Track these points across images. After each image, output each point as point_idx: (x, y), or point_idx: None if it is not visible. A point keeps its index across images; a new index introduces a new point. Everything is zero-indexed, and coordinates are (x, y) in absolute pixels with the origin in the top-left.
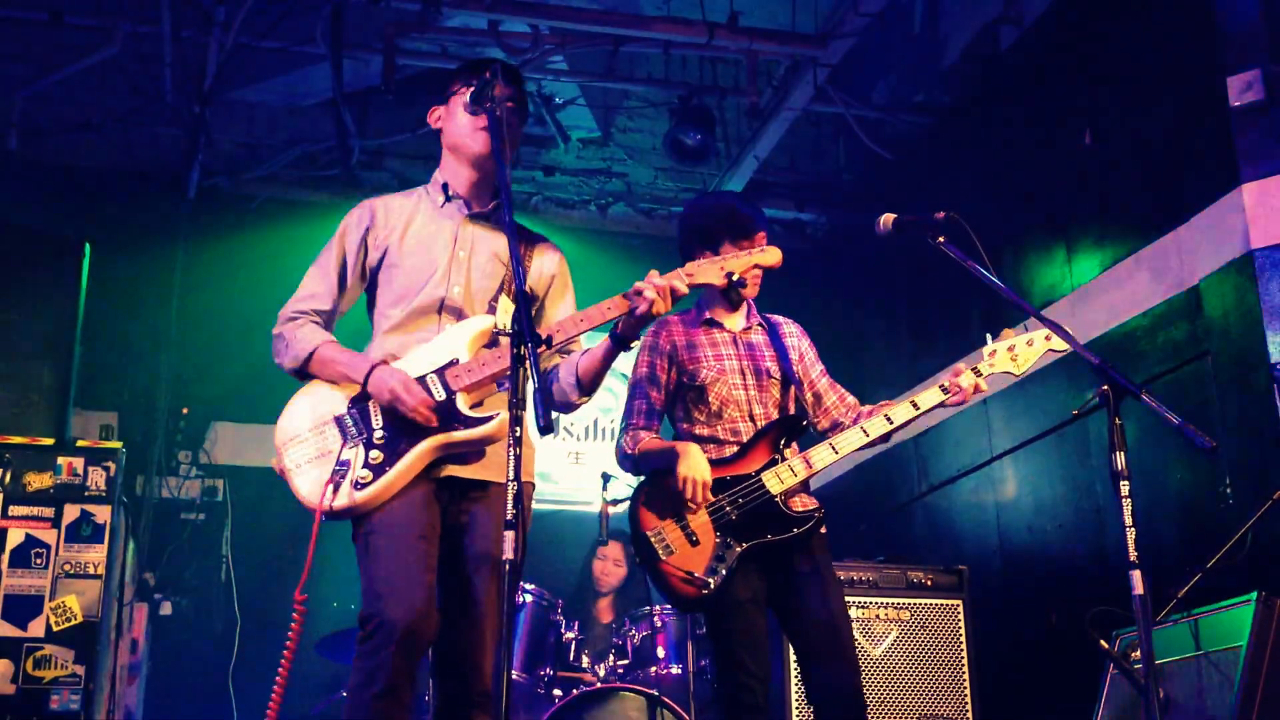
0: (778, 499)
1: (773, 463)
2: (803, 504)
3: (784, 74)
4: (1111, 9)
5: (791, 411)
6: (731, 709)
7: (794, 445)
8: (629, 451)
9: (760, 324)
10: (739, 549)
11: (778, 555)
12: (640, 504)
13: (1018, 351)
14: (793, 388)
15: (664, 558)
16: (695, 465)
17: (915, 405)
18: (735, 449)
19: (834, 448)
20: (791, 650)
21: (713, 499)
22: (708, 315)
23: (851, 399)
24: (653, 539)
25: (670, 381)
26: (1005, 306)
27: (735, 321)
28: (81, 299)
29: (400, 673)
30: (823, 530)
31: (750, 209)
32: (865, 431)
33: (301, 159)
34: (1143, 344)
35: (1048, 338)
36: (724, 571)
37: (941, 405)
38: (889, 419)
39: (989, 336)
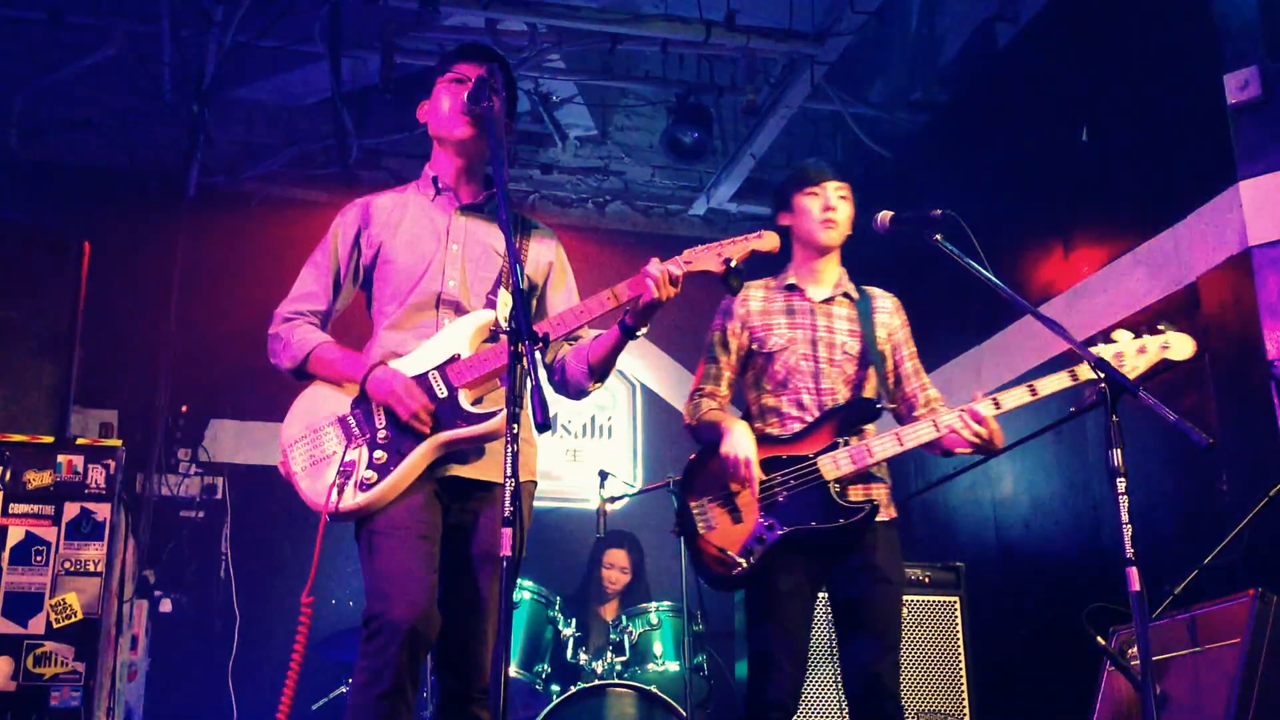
0: (831, 486)
1: (833, 447)
2: (863, 493)
3: (781, 72)
4: (1108, 6)
5: (866, 392)
6: (752, 702)
7: (864, 431)
8: (688, 421)
9: (847, 295)
10: (779, 533)
11: (832, 546)
12: (690, 476)
13: (1126, 359)
14: (871, 367)
15: (702, 532)
16: (738, 443)
17: (997, 404)
18: (799, 424)
19: (900, 439)
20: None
21: (764, 477)
22: (791, 280)
23: (933, 392)
24: (695, 511)
25: (741, 347)
26: (1003, 304)
27: (819, 290)
28: (81, 297)
29: (404, 671)
30: (887, 519)
31: (816, 160)
32: (936, 426)
33: (300, 158)
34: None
35: (1164, 345)
36: (759, 553)
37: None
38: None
39: (1100, 343)
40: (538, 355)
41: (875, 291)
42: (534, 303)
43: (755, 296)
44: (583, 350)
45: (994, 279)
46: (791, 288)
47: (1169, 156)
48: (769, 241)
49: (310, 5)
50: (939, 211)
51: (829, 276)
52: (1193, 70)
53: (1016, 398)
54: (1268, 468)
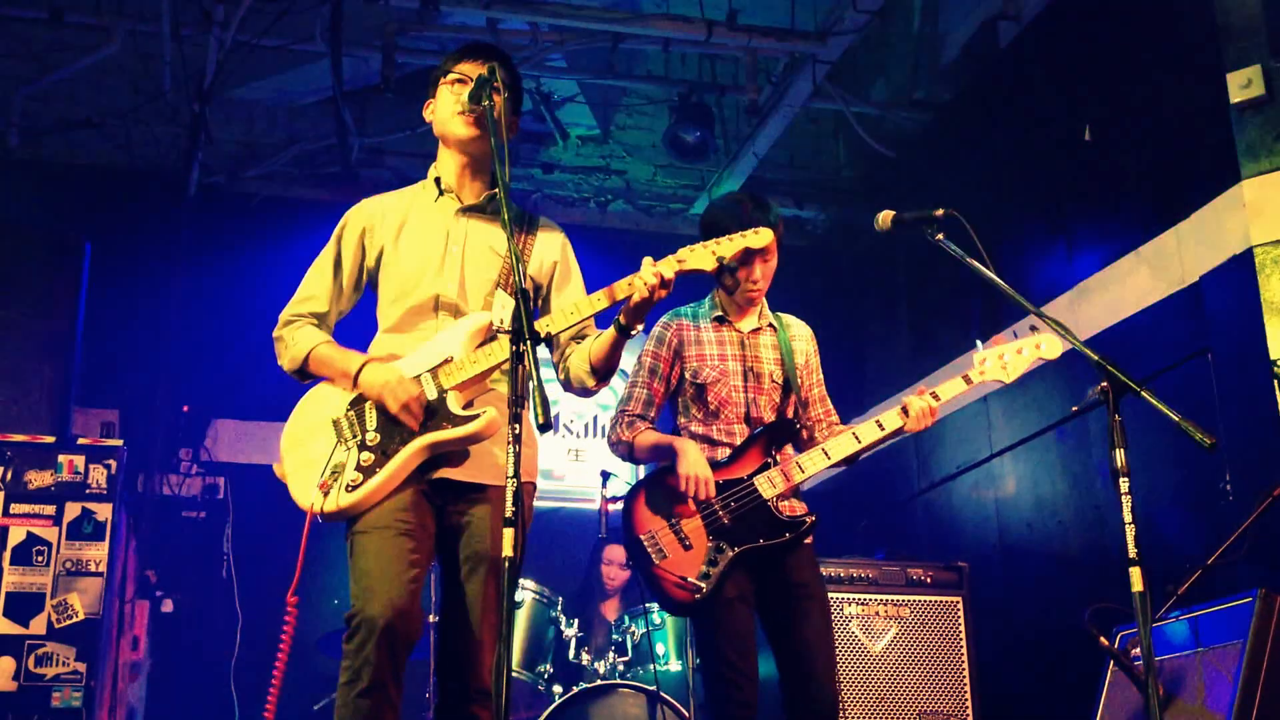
0: (770, 503)
1: (765, 467)
2: (792, 509)
3: (783, 71)
4: (1111, 5)
5: (789, 416)
6: (720, 706)
7: (786, 450)
8: (624, 437)
9: (771, 325)
10: (731, 553)
11: (767, 561)
12: (634, 507)
13: (1008, 360)
14: (792, 393)
15: (657, 561)
16: (696, 463)
17: (880, 425)
18: (728, 451)
19: (826, 453)
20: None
21: (715, 496)
22: (719, 313)
23: (835, 418)
24: (645, 542)
25: (673, 376)
26: (1005, 303)
27: (746, 321)
28: (82, 297)
29: (383, 669)
30: (808, 541)
31: (759, 206)
32: (857, 437)
33: (301, 157)
34: (1143, 340)
35: (1038, 345)
36: (715, 576)
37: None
38: (880, 424)
39: (979, 343)
40: (540, 355)
41: (791, 320)
42: (539, 302)
43: (686, 327)
44: (585, 350)
45: (996, 278)
46: (721, 319)
47: (1171, 155)
48: (763, 238)
49: (311, 4)
50: (941, 211)
51: (754, 309)
52: (1195, 69)
53: (888, 420)
54: (1271, 467)
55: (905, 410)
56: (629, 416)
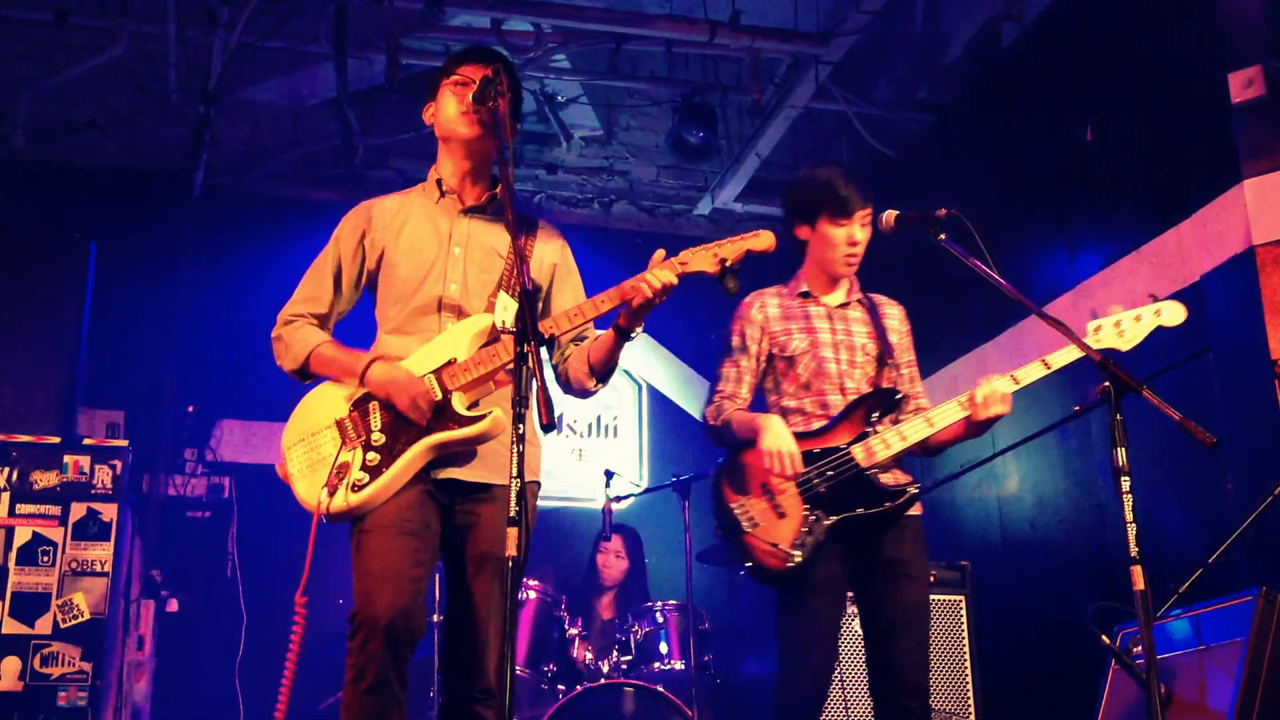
0: (867, 472)
1: (863, 435)
2: (894, 479)
3: (786, 72)
4: (1113, 5)
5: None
6: (783, 692)
7: (887, 419)
8: (712, 421)
9: (860, 301)
10: (827, 522)
11: (866, 534)
12: (724, 477)
13: (1125, 327)
14: (887, 368)
15: (749, 530)
16: (780, 437)
17: (1015, 380)
18: (824, 421)
19: (930, 421)
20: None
21: (802, 470)
22: (804, 288)
23: (925, 401)
24: (737, 511)
25: (761, 352)
26: (1007, 303)
27: (834, 297)
28: (87, 298)
29: (387, 666)
30: (916, 511)
31: (852, 184)
32: (961, 404)
33: (306, 158)
34: (1144, 340)
35: (1158, 312)
36: (811, 545)
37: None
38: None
39: (1094, 311)
40: (543, 355)
41: (882, 299)
42: (540, 304)
43: (771, 304)
44: (584, 351)
45: (998, 278)
46: (806, 295)
47: (1173, 155)
48: (765, 240)
49: (316, 6)
50: (943, 211)
51: (843, 285)
52: (1197, 69)
53: (1031, 372)
54: (1272, 466)
55: (972, 400)
56: (719, 399)
